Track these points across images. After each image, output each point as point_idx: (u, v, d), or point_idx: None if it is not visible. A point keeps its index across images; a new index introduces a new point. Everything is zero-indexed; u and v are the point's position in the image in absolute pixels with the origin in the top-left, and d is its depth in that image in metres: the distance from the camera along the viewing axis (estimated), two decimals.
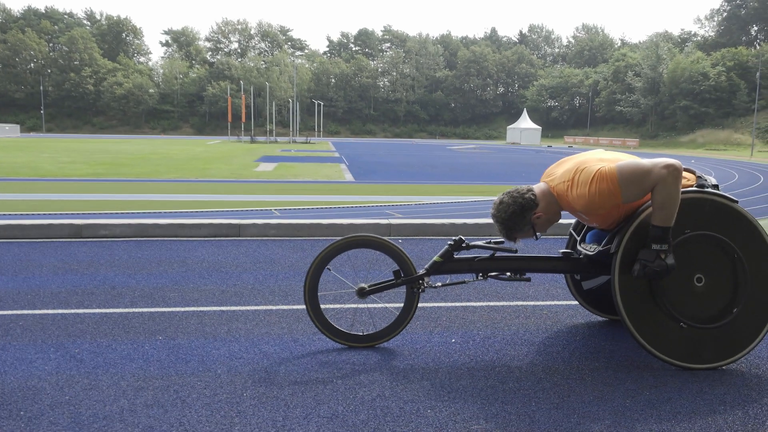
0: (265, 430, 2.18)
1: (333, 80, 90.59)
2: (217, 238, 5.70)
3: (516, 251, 3.01)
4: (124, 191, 18.69)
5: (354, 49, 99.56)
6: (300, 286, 4.10)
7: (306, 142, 59.47)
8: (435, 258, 3.02)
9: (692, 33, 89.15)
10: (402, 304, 3.08)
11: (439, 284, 3.10)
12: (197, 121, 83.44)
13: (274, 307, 3.63)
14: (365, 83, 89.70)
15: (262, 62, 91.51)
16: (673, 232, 2.71)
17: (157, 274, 4.35)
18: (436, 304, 3.74)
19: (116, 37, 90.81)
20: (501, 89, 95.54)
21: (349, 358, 2.87)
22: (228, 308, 3.60)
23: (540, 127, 73.00)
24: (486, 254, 3.01)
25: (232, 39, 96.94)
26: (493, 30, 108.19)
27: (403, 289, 3.12)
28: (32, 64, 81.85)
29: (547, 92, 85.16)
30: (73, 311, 3.50)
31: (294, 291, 3.98)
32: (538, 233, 2.92)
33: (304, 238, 5.74)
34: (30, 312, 3.48)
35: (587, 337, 3.20)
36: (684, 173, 2.92)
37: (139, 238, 5.64)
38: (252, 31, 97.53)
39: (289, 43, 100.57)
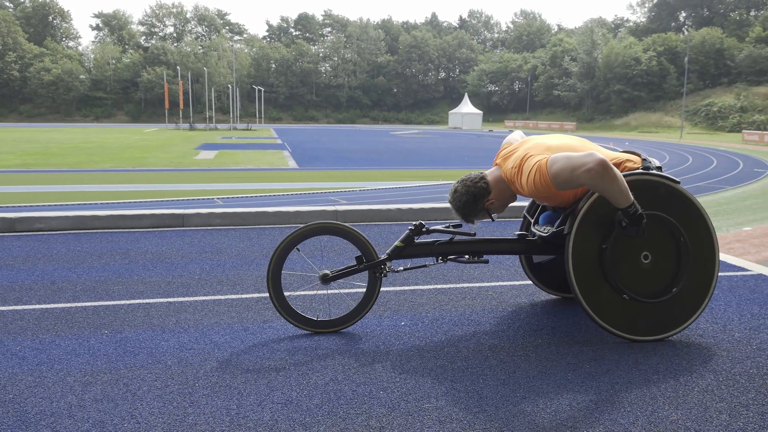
0: (219, 419, 2.19)
1: (273, 65, 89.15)
2: (160, 229, 5.59)
3: (474, 234, 3.11)
4: (57, 182, 17.95)
5: (294, 33, 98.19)
6: (248, 275, 4.09)
7: (247, 129, 58.48)
8: (396, 243, 3.07)
9: (625, 19, 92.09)
10: (364, 289, 3.12)
11: (401, 268, 3.18)
12: (132, 109, 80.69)
13: (222, 297, 3.61)
14: (306, 68, 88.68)
15: (200, 47, 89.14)
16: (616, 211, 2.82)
17: (99, 267, 4.25)
18: (385, 289, 3.79)
19: (42, 20, 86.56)
20: (442, 74, 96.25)
21: (301, 344, 2.90)
22: (175, 299, 3.56)
23: (481, 112, 74.04)
24: (446, 238, 3.10)
25: (167, 23, 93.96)
26: (434, 15, 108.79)
27: (365, 275, 3.14)
28: None
29: (487, 77, 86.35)
30: (11, 308, 3.39)
31: (242, 280, 3.96)
32: (493, 215, 3.05)
33: (250, 227, 5.70)
34: None
35: (530, 316, 3.33)
36: (630, 156, 3.08)
37: (77, 231, 5.46)
38: (188, 15, 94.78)
39: (227, 28, 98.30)
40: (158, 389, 2.42)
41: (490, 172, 3.05)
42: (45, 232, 5.39)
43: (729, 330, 3.11)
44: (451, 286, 3.88)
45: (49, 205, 11.11)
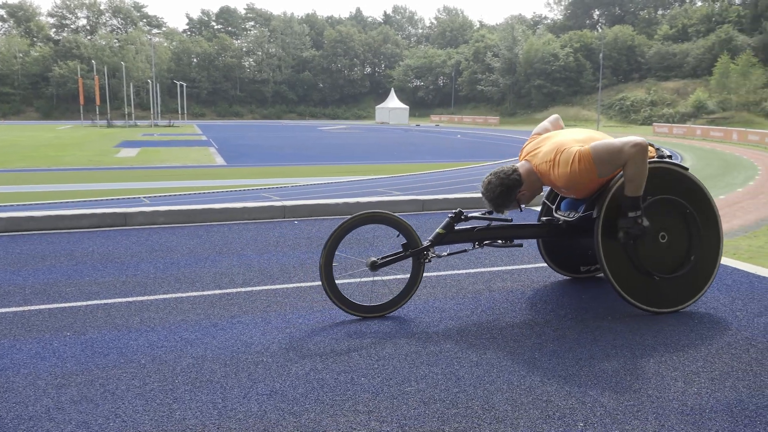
0: (206, 413, 2.20)
1: (195, 60, 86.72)
2: (101, 229, 5.41)
3: (511, 220, 3.33)
4: None
5: (216, 27, 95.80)
6: (205, 272, 4.05)
7: (169, 126, 56.66)
8: (438, 230, 3.23)
9: (543, 16, 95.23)
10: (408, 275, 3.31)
11: (446, 253, 3.36)
12: (43, 105, 76.50)
13: (183, 295, 3.56)
14: (229, 63, 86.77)
15: (116, 40, 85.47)
16: (642, 197, 3.10)
17: (44, 270, 4.08)
18: (347, 280, 3.85)
19: None
20: (368, 69, 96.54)
21: (274, 337, 2.92)
22: (135, 299, 3.48)
23: (407, 107, 74.79)
24: (483, 225, 3.29)
25: (79, 15, 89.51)
26: (358, 10, 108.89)
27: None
28: None
29: (412, 72, 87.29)
30: None
31: (200, 278, 3.92)
32: (522, 205, 3.26)
33: (197, 225, 5.61)
34: None
35: (492, 301, 3.47)
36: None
37: (12, 233, 5.21)
38: (102, 7, 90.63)
39: (145, 21, 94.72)
40: (137, 388, 2.39)
41: (520, 165, 3.25)
42: None
43: None
44: (409, 276, 3.98)
45: None
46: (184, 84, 69.42)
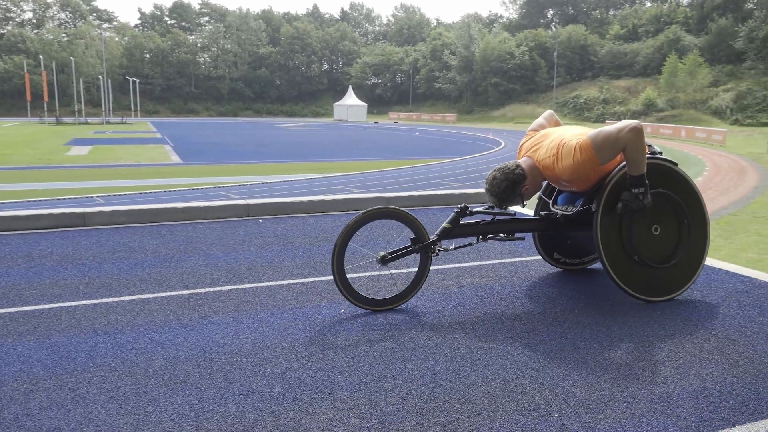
0: (183, 415, 2.17)
1: (148, 56, 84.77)
2: (59, 229, 5.25)
3: (514, 214, 3.43)
4: None
5: (169, 22, 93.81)
6: (171, 272, 3.98)
7: (122, 123, 55.31)
8: (444, 224, 3.32)
9: (498, 15, 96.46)
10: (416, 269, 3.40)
11: (453, 247, 3.47)
12: None
13: (150, 296, 3.50)
14: (184, 59, 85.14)
15: (64, 35, 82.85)
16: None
17: (1, 272, 3.95)
18: (317, 279, 3.84)
19: None
20: (326, 66, 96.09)
21: (247, 337, 2.89)
22: (100, 301, 3.40)
23: (366, 104, 74.78)
24: (487, 219, 3.42)
25: (24, 8, 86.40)
26: (315, 7, 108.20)
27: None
28: None
29: (370, 69, 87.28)
30: None
31: (167, 278, 3.85)
32: (524, 201, 3.37)
33: (159, 224, 5.50)
34: None
35: (462, 297, 3.52)
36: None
37: None
38: (50, 0, 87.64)
39: (95, 14, 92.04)
40: (109, 391, 2.34)
41: (522, 161, 3.33)
42: None
43: (637, 300, 3.46)
44: (385, 272, 4.00)
45: None
46: (137, 80, 67.80)
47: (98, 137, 38.62)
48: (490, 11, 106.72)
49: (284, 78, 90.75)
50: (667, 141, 35.88)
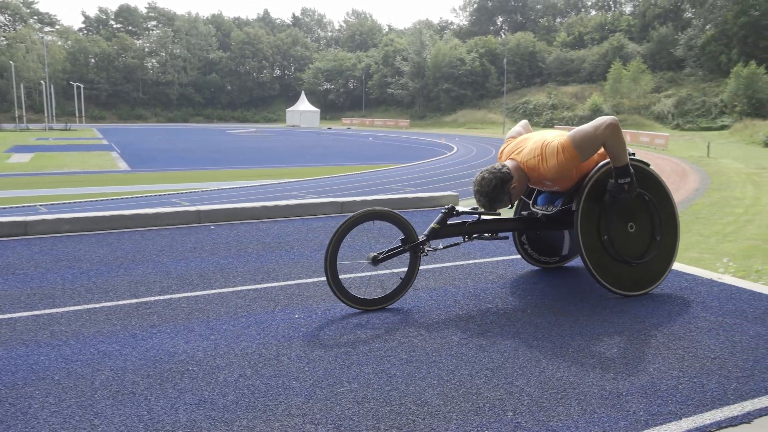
0: (131, 427, 2.10)
1: (93, 60, 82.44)
2: (1, 239, 5.03)
3: (499, 214, 3.53)
4: None
5: (115, 26, 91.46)
6: (119, 281, 3.86)
7: (66, 129, 53.61)
8: (432, 225, 3.40)
9: (449, 22, 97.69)
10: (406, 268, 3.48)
11: (441, 246, 3.54)
12: None
13: (96, 305, 3.38)
14: (131, 64, 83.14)
15: (2, 38, 79.79)
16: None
17: None
18: (271, 285, 3.79)
19: None
20: (277, 72, 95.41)
21: (198, 345, 2.83)
22: (43, 312, 3.27)
23: (318, 110, 74.54)
24: (473, 219, 3.51)
25: None
26: (266, 12, 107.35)
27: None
28: None
29: (323, 75, 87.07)
30: None
31: (114, 287, 3.73)
32: (512, 201, 3.48)
33: (106, 232, 5.33)
34: None
35: (417, 300, 3.52)
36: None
37: None
38: None
39: (36, 18, 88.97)
40: (53, 405, 2.24)
41: (507, 163, 3.44)
42: None
43: (585, 298, 3.54)
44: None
45: None
46: (82, 85, 65.83)
47: (41, 144, 37.35)
48: (441, 18, 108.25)
49: (235, 83, 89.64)
50: None
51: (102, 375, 2.50)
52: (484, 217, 3.53)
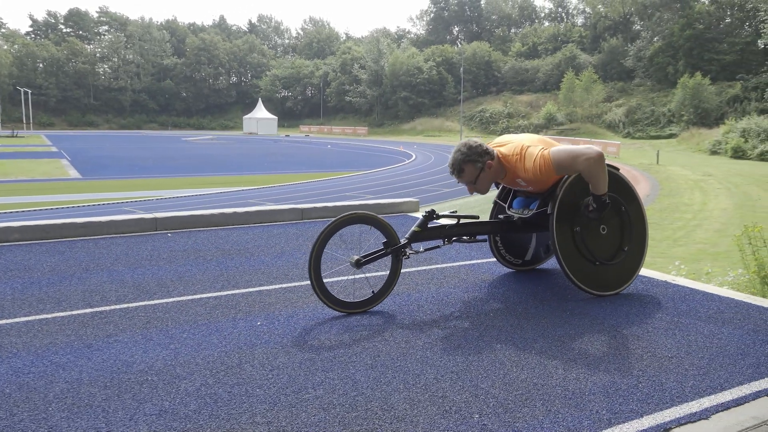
0: None
1: (41, 65, 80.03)
2: None
3: (478, 217, 3.63)
4: None
5: (65, 30, 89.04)
6: (72, 290, 3.73)
7: (12, 136, 51.83)
8: (414, 228, 3.45)
9: (406, 30, 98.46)
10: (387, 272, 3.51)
11: (422, 249, 3.60)
12: None
13: (49, 316, 3.25)
14: (82, 69, 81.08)
15: None
16: (584, 194, 3.55)
17: None
18: (231, 292, 3.72)
19: None
20: (234, 79, 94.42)
21: (158, 354, 2.75)
22: None
23: (276, 117, 74.02)
24: (452, 222, 3.58)
25: None
26: (222, 18, 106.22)
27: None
28: None
29: (280, 82, 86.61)
30: None
31: (67, 297, 3.60)
32: (478, 186, 3.53)
33: (57, 240, 5.15)
34: None
35: (381, 305, 3.51)
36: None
37: None
38: None
39: None
40: (4, 420, 2.14)
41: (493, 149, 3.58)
42: None
43: (544, 301, 3.59)
44: (296, 284, 3.93)
45: None
46: (29, 91, 63.82)
47: None
48: (398, 27, 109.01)
49: (191, 90, 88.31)
50: None
51: (56, 387, 2.41)
52: (463, 220, 3.61)
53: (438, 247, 3.65)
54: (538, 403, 2.31)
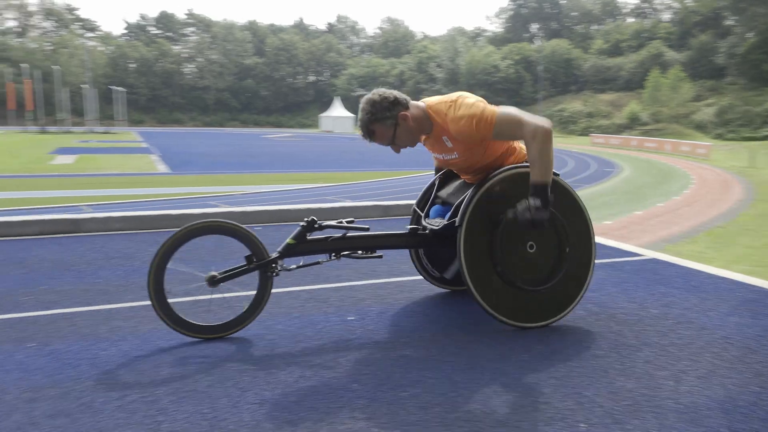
0: (196, 424, 2.07)
1: (133, 65, 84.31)
2: (52, 236, 5.12)
3: (368, 229, 3.01)
4: None
5: (155, 32, 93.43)
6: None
7: (107, 132, 54.83)
8: (288, 240, 2.93)
9: (483, 29, 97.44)
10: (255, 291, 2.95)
11: (294, 266, 3.02)
12: None
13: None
14: (169, 69, 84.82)
15: (48, 43, 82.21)
16: (506, 205, 2.87)
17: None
18: (322, 286, 3.76)
19: None
20: (312, 78, 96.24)
21: (257, 344, 2.80)
22: (100, 307, 3.28)
23: (353, 115, 74.86)
24: (339, 234, 3.00)
25: (7, 16, 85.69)
26: (300, 20, 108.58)
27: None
28: None
29: (356, 81, 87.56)
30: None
31: None
32: (399, 145, 2.94)
33: (156, 231, 5.38)
34: None
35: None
36: (518, 146, 3.13)
37: None
38: (33, 8, 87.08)
39: (79, 24, 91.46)
40: (116, 400, 2.23)
41: (414, 102, 2.99)
42: None
43: (646, 307, 3.42)
44: (383, 281, 3.92)
45: None
46: (124, 90, 67.40)
47: (83, 146, 38.20)
48: (475, 26, 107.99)
49: (270, 89, 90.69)
50: (652, 154, 36.27)
51: (163, 371, 2.49)
52: (351, 233, 3.01)
53: (318, 263, 3.07)
54: (649, 415, 2.19)
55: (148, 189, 18.45)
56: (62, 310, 3.23)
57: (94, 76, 74.88)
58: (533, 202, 2.75)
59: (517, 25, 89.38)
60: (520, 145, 3.14)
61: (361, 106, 2.90)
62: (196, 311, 3.16)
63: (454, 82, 73.65)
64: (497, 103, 2.96)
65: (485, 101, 2.91)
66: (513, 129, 2.79)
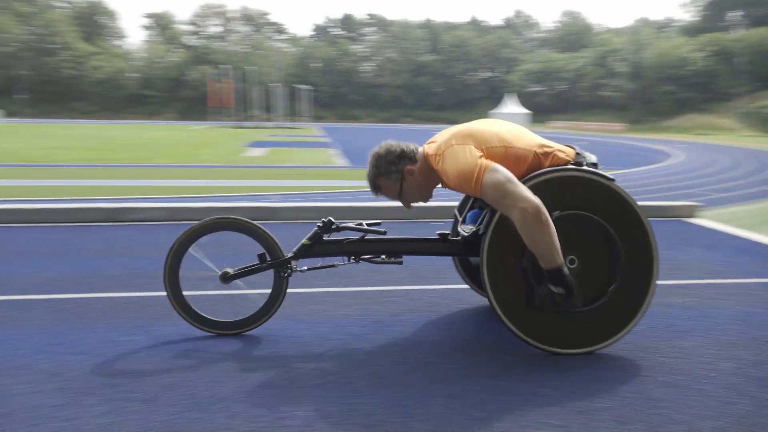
0: (392, 409, 2.16)
1: (318, 65, 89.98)
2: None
3: (385, 233, 2.88)
4: (125, 177, 18.38)
5: (337, 33, 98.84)
6: (357, 269, 4.07)
7: (293, 128, 59.08)
8: (303, 240, 2.87)
9: (672, 18, 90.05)
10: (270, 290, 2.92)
11: (306, 268, 2.95)
12: (180, 106, 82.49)
13: (341, 290, 3.59)
14: (349, 68, 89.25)
15: (245, 46, 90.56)
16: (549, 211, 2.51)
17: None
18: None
19: (89, 20, 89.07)
20: (486, 74, 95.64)
21: (447, 334, 2.85)
22: (295, 290, 3.55)
23: (528, 112, 73.29)
24: (356, 236, 2.89)
25: (213, 22, 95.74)
26: (473, 18, 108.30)
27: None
28: (7, 48, 79.88)
29: (531, 77, 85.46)
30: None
31: (355, 274, 3.94)
32: (408, 199, 2.77)
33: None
34: (36, 297, 3.42)
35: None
36: (563, 148, 2.77)
37: (173, 222, 5.58)
38: (233, 15, 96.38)
39: (271, 27, 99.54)
40: (315, 378, 2.41)
41: (422, 147, 2.80)
42: (146, 223, 5.55)
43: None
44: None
45: (146, 198, 11.31)
46: (312, 88, 72.25)
47: (272, 140, 41.34)
48: (665, 16, 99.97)
49: (444, 85, 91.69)
50: None
51: (356, 356, 2.64)
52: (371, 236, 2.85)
53: (333, 266, 2.91)
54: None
55: (332, 181, 19.54)
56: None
57: (283, 76, 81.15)
58: (555, 290, 2.48)
59: (714, 13, 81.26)
60: (555, 146, 2.74)
61: (372, 153, 2.79)
62: (213, 306, 3.12)
63: (637, 77, 68.93)
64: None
65: (474, 142, 2.61)
66: (499, 199, 2.48)
